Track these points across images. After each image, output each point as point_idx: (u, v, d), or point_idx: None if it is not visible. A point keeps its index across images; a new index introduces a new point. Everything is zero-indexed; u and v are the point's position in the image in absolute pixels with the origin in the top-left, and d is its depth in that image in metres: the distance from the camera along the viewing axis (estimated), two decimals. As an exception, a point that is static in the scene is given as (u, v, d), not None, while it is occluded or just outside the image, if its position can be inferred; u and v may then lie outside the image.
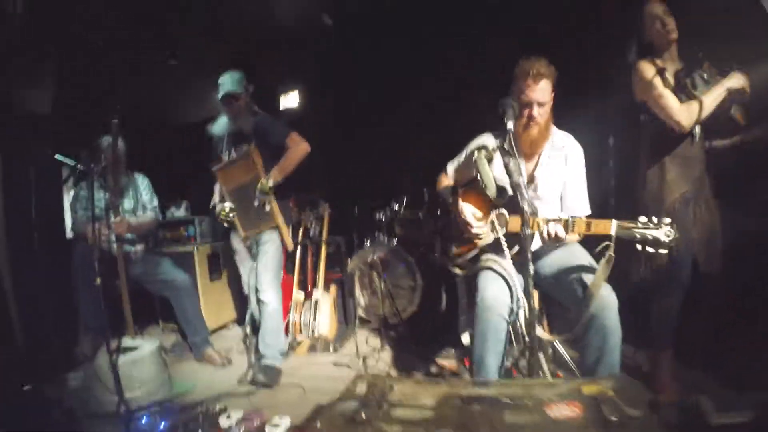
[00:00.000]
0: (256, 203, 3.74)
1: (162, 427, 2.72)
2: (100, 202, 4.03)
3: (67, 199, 4.47)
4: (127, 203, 4.25)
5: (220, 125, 4.01)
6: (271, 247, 3.84)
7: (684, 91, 2.81)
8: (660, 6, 2.90)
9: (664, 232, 2.18)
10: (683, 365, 3.14)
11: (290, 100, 6.39)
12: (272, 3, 5.16)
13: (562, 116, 2.84)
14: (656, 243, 2.19)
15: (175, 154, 5.56)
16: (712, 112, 2.74)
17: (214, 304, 5.01)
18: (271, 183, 3.67)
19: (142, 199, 4.35)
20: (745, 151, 2.98)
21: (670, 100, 2.79)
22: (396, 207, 5.26)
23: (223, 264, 5.24)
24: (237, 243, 4.13)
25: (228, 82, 3.82)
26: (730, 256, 2.91)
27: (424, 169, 3.76)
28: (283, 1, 5.23)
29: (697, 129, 2.82)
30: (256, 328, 3.89)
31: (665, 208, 2.85)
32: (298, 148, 3.80)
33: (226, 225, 4.01)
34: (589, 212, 2.78)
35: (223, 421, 2.77)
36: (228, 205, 3.91)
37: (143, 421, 2.80)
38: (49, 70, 3.97)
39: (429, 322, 4.57)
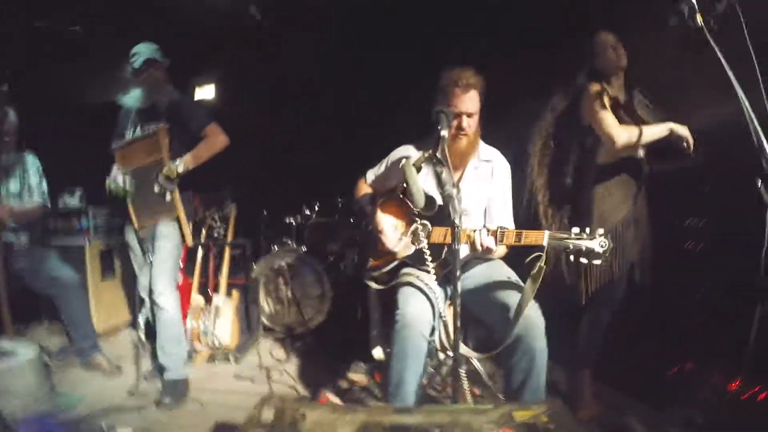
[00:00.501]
0: (156, 189, 3.31)
1: (40, 449, 2.42)
2: None
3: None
4: (13, 185, 3.79)
5: (132, 98, 3.55)
6: (168, 242, 3.44)
7: (630, 114, 2.88)
8: (611, 36, 2.96)
9: (598, 243, 2.13)
10: (599, 382, 3.20)
11: (206, 92, 6.16)
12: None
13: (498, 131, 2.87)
14: (589, 254, 2.14)
15: (72, 137, 5.15)
16: (648, 143, 2.81)
17: (105, 305, 4.71)
18: (180, 169, 3.29)
19: (29, 182, 3.89)
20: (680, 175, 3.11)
21: (608, 116, 2.82)
22: (307, 212, 5.15)
23: (118, 261, 4.94)
24: (132, 238, 3.63)
25: (145, 49, 3.45)
26: (659, 272, 3.04)
27: (339, 175, 3.67)
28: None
29: (641, 153, 2.92)
30: (150, 333, 3.56)
31: (608, 229, 2.77)
32: (217, 139, 3.48)
33: (116, 198, 3.45)
34: (512, 227, 2.75)
35: None
36: (126, 178, 3.41)
37: None
38: None
39: (338, 334, 4.45)
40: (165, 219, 3.40)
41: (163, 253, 3.42)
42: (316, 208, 5.16)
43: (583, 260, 2.16)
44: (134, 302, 4.60)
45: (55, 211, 4.67)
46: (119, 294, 4.94)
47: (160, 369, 3.44)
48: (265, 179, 5.57)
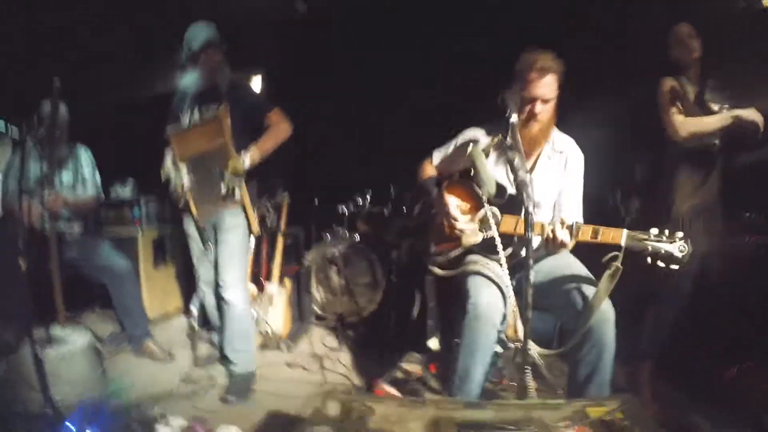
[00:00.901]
0: (223, 190, 3.14)
1: (90, 435, 2.40)
2: (35, 175, 3.66)
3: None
4: (66, 177, 3.83)
5: (191, 80, 3.34)
6: (235, 235, 3.29)
7: (701, 105, 2.91)
8: (687, 27, 2.99)
9: (678, 247, 2.03)
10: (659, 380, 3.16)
11: (253, 85, 6.09)
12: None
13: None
14: (668, 258, 2.04)
15: (124, 129, 5.21)
16: (715, 131, 2.84)
17: (158, 292, 4.73)
18: (247, 164, 3.13)
19: (83, 174, 3.95)
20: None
21: (672, 110, 2.91)
22: (360, 201, 5.09)
23: (169, 250, 4.96)
24: (191, 227, 3.44)
25: (205, 31, 3.26)
26: (731, 270, 3.01)
27: (391, 164, 3.58)
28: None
29: (715, 141, 2.87)
30: (203, 321, 3.57)
31: (676, 217, 2.92)
32: (281, 127, 3.32)
33: (181, 204, 3.32)
34: (581, 221, 2.58)
35: (161, 429, 2.56)
36: (187, 177, 3.23)
37: (71, 427, 2.46)
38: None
39: (390, 324, 4.38)
40: (229, 208, 3.26)
41: (231, 246, 3.29)
42: (369, 197, 5.09)
43: (661, 264, 2.07)
44: (187, 290, 4.62)
45: (107, 201, 4.65)
46: (171, 282, 4.97)
47: (226, 363, 3.40)
48: (317, 168, 5.57)
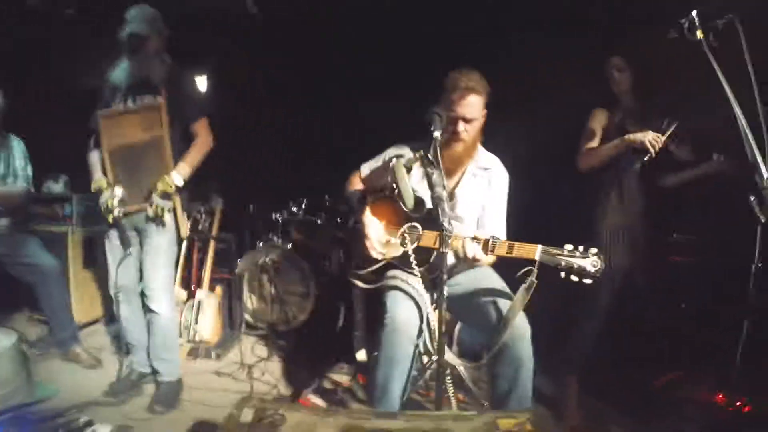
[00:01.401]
0: (151, 213, 3.05)
1: (15, 441, 2.40)
2: None
3: None
4: None
5: (122, 70, 3.18)
6: (163, 239, 3.19)
7: (622, 133, 3.04)
8: (618, 60, 3.16)
9: (591, 262, 2.12)
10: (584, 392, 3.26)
11: (199, 83, 6.07)
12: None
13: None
14: (581, 272, 2.13)
15: (59, 122, 5.09)
16: (608, 157, 3.05)
17: (86, 294, 4.64)
18: (179, 182, 3.10)
19: (14, 166, 3.85)
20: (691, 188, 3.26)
21: (587, 143, 3.17)
22: (294, 209, 5.12)
23: (101, 251, 4.81)
24: (112, 229, 3.27)
25: (137, 17, 3.10)
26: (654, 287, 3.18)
27: (327, 173, 3.67)
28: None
29: (637, 165, 3.02)
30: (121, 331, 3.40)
31: (597, 233, 3.07)
32: (206, 140, 3.28)
33: (110, 221, 3.10)
34: (504, 238, 2.72)
35: None
36: (119, 192, 3.04)
37: None
38: None
39: (321, 334, 4.46)
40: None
41: (159, 251, 3.21)
42: (303, 206, 5.13)
43: (574, 278, 2.16)
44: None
45: (38, 196, 4.56)
46: (101, 284, 4.82)
47: (152, 372, 3.36)
48: (253, 174, 5.58)
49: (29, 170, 3.92)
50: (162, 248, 3.21)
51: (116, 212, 3.03)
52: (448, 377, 2.33)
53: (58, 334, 3.84)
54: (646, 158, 2.89)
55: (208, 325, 4.20)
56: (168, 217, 3.17)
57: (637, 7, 3.59)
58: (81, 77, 5.32)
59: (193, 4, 4.97)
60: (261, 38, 5.57)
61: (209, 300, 4.30)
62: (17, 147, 3.88)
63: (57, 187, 4.86)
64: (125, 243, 3.17)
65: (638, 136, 2.85)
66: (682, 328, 3.36)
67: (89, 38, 4.89)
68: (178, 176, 3.09)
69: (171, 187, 3.06)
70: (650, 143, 2.82)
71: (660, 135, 2.83)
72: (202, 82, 5.89)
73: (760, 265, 2.20)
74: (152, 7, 3.20)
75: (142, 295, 3.23)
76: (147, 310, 3.24)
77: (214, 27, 5.45)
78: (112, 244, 3.28)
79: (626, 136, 2.92)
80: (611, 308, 3.07)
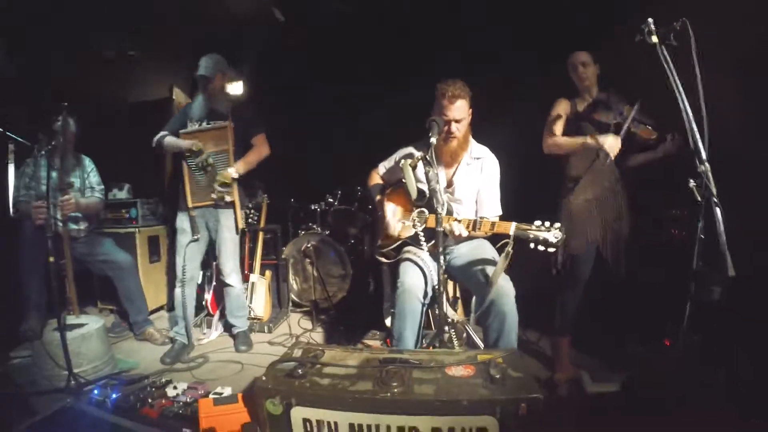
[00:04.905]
0: (215, 196, 3.87)
1: (113, 397, 2.88)
2: (47, 180, 3.97)
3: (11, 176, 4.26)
4: (75, 182, 4.32)
5: (197, 105, 4.04)
6: (230, 233, 4.03)
7: (591, 121, 3.39)
8: (584, 55, 3.45)
9: (553, 234, 2.62)
10: (577, 349, 3.63)
11: (234, 88, 6.45)
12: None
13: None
14: (545, 243, 2.63)
15: (118, 138, 5.61)
16: (571, 150, 3.36)
17: (152, 285, 5.17)
18: (235, 175, 3.88)
19: (89, 181, 4.45)
20: (657, 166, 3.46)
21: (550, 128, 3.47)
22: (330, 200, 5.58)
23: (164, 247, 5.44)
24: (185, 222, 4.00)
25: (204, 64, 3.92)
26: (635, 260, 3.37)
27: (358, 167, 4.02)
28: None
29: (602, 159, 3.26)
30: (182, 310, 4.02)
31: (569, 209, 3.31)
32: (262, 149, 4.08)
33: (202, 172, 3.91)
34: (500, 213, 3.24)
35: (170, 391, 3.06)
36: (212, 155, 3.90)
37: (96, 392, 2.95)
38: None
39: (357, 307, 4.91)
40: (221, 209, 3.98)
41: (228, 242, 4.06)
42: (338, 196, 5.58)
43: (541, 248, 2.65)
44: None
45: (107, 203, 5.06)
46: (164, 276, 5.42)
47: (230, 327, 4.27)
48: (293, 172, 5.90)
49: (102, 184, 4.53)
50: (230, 239, 4.05)
51: (210, 161, 3.87)
52: (455, 333, 2.86)
53: (135, 317, 4.43)
54: (608, 161, 3.17)
55: (261, 304, 4.73)
56: (229, 215, 4.01)
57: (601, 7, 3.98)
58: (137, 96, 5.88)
59: (225, 18, 5.44)
60: (290, 46, 6.02)
61: (261, 282, 4.81)
62: (89, 165, 4.48)
63: (121, 193, 5.40)
64: (195, 231, 3.97)
65: (599, 140, 3.16)
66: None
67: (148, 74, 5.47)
68: (233, 170, 3.86)
69: (228, 179, 3.85)
70: (610, 147, 3.13)
71: (618, 137, 3.13)
72: (238, 86, 6.31)
73: (702, 237, 2.37)
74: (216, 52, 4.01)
75: (220, 273, 4.08)
76: (224, 284, 4.16)
77: (247, 33, 5.91)
78: (182, 233, 4.03)
79: (588, 139, 3.22)
80: (587, 278, 3.36)
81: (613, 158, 3.17)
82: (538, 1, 4.69)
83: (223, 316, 4.45)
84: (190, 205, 3.95)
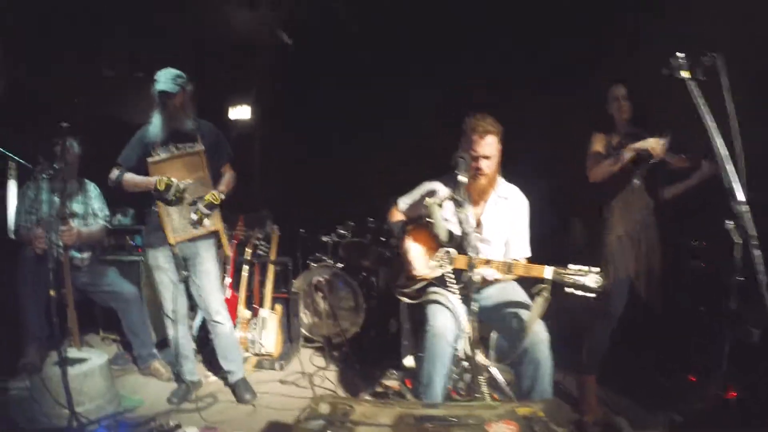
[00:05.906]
0: (194, 216, 3.50)
1: (118, 442, 2.69)
2: (48, 206, 4.03)
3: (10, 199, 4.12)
4: (77, 209, 4.20)
5: (155, 127, 3.55)
6: (212, 265, 3.72)
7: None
8: (622, 89, 3.35)
9: (594, 279, 2.50)
10: (608, 388, 3.58)
11: (241, 113, 6.39)
12: (230, 16, 5.27)
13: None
14: (584, 288, 2.52)
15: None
16: (615, 167, 3.19)
17: (158, 316, 4.80)
18: (223, 196, 3.57)
19: (93, 207, 4.32)
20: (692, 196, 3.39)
21: (591, 162, 3.36)
22: (342, 232, 5.44)
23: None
24: (163, 259, 3.65)
25: (163, 78, 3.45)
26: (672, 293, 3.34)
27: (371, 198, 3.91)
28: (241, 16, 5.36)
29: (636, 180, 3.22)
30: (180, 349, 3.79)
31: (604, 244, 3.26)
32: (233, 177, 3.80)
33: (176, 204, 3.49)
34: (529, 254, 3.14)
35: None
36: (183, 183, 3.45)
37: None
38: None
39: (371, 344, 4.77)
40: (201, 240, 3.65)
41: (211, 276, 3.73)
42: (350, 228, 5.44)
43: (579, 293, 2.54)
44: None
45: (111, 229, 4.84)
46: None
47: (226, 375, 3.88)
48: (302, 202, 5.85)
49: (106, 210, 4.38)
50: (212, 272, 3.74)
51: (181, 186, 3.43)
52: (483, 379, 2.70)
53: (139, 351, 4.24)
54: (650, 162, 3.11)
55: (271, 340, 4.54)
56: (211, 246, 3.73)
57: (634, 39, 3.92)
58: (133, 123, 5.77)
59: (229, 39, 5.35)
60: (297, 69, 5.93)
61: (271, 317, 4.63)
62: (93, 190, 4.34)
63: (125, 220, 5.25)
64: (180, 268, 3.59)
65: (642, 143, 3.08)
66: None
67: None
68: (220, 193, 3.55)
69: (216, 199, 3.50)
70: (653, 148, 3.05)
71: (659, 139, 3.06)
72: (245, 111, 6.23)
73: (742, 278, 2.27)
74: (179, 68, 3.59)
75: (207, 314, 3.77)
76: (211, 323, 3.76)
77: (253, 57, 5.84)
78: (163, 271, 3.69)
79: (631, 145, 3.11)
80: (620, 313, 3.29)
81: (658, 159, 3.09)
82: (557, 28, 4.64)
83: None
84: (172, 242, 3.52)
